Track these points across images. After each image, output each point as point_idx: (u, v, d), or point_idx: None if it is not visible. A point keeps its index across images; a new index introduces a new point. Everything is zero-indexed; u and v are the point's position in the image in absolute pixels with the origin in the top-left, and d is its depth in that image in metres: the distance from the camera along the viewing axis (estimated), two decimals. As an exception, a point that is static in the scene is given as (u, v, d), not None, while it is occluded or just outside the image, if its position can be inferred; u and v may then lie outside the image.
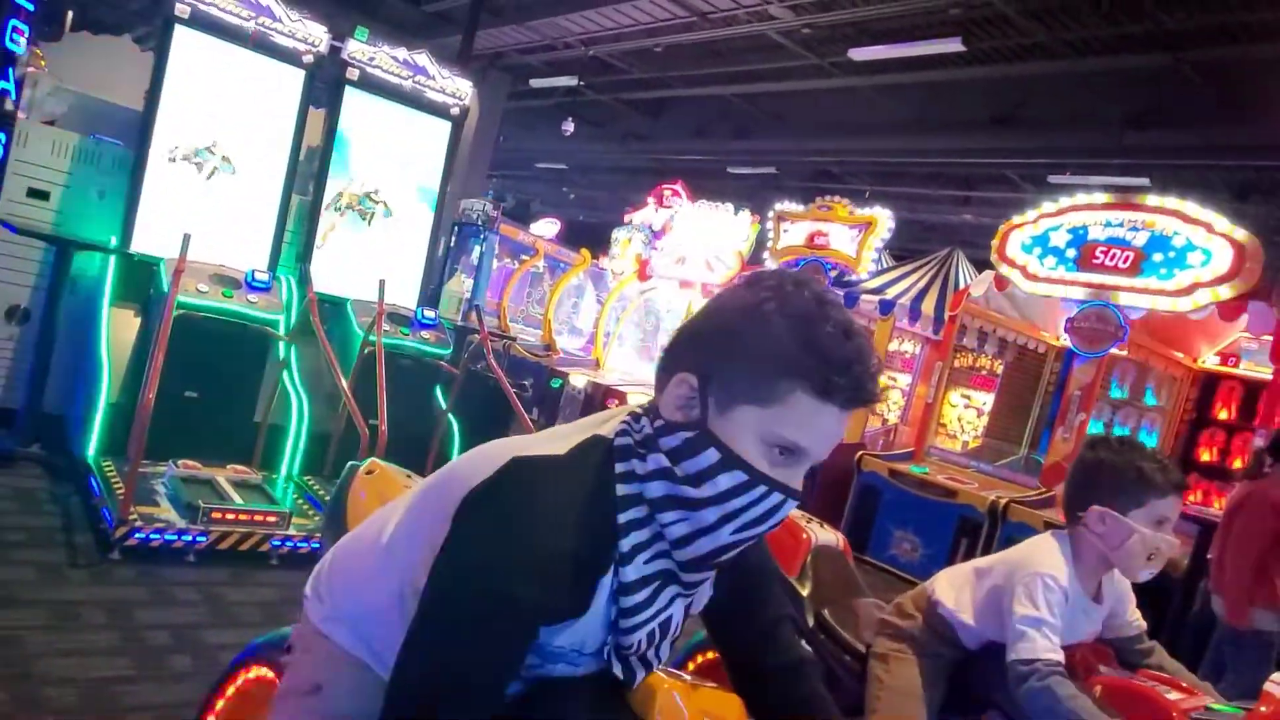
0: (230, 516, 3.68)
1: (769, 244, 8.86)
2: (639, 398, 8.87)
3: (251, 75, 4.81)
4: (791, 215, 8.72)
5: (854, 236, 8.04)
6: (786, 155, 13.71)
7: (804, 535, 2.29)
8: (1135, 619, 2.04)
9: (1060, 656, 1.75)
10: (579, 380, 9.45)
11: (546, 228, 17.13)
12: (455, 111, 5.60)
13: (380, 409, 4.04)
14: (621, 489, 0.99)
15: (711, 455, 0.95)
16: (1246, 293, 5.26)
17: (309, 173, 5.24)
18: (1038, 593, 1.79)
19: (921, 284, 8.12)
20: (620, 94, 13.72)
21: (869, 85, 10.34)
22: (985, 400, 9.26)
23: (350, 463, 1.70)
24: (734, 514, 0.96)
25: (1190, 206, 5.44)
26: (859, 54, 9.11)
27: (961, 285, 7.68)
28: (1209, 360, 7.40)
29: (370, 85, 5.23)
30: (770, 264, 8.79)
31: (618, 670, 1.05)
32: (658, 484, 0.98)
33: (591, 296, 12.37)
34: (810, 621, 2.18)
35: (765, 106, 12.58)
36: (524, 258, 12.33)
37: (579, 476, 0.98)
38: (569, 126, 13.39)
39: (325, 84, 5.22)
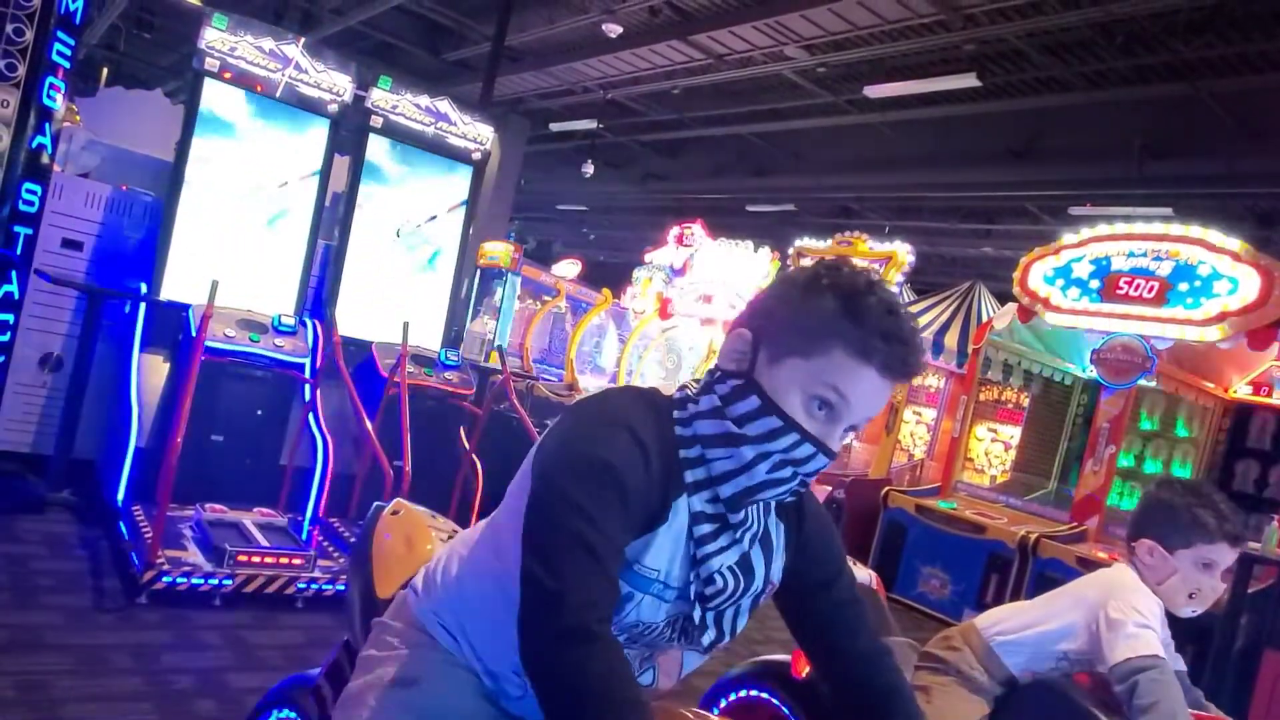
0: (255, 559, 3.69)
1: (790, 280, 8.86)
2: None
3: (279, 124, 4.92)
4: (811, 251, 8.73)
5: (875, 270, 8.03)
6: (805, 192, 13.77)
7: None
8: (1177, 656, 2.02)
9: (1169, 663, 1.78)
10: (602, 419, 9.44)
11: (568, 268, 17.27)
12: (477, 156, 5.69)
13: (404, 450, 4.06)
14: (679, 430, 1.10)
15: (754, 401, 1.06)
16: (1277, 321, 5.19)
17: (334, 219, 5.33)
18: (1142, 604, 1.84)
19: (944, 318, 8.10)
20: (638, 135, 13.90)
21: (886, 121, 10.41)
22: (1012, 434, 9.15)
23: (376, 504, 1.72)
24: (768, 454, 1.06)
25: (1214, 235, 5.40)
26: (874, 91, 9.19)
27: (984, 318, 7.64)
28: (1241, 390, 7.29)
29: (394, 132, 5.33)
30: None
31: (697, 615, 1.12)
32: (710, 422, 1.09)
33: (613, 335, 12.42)
34: None
35: (783, 144, 12.68)
36: (546, 298, 12.41)
37: (648, 401, 1.12)
38: (588, 168, 13.56)
39: (350, 132, 5.34)
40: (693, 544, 1.11)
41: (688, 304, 9.93)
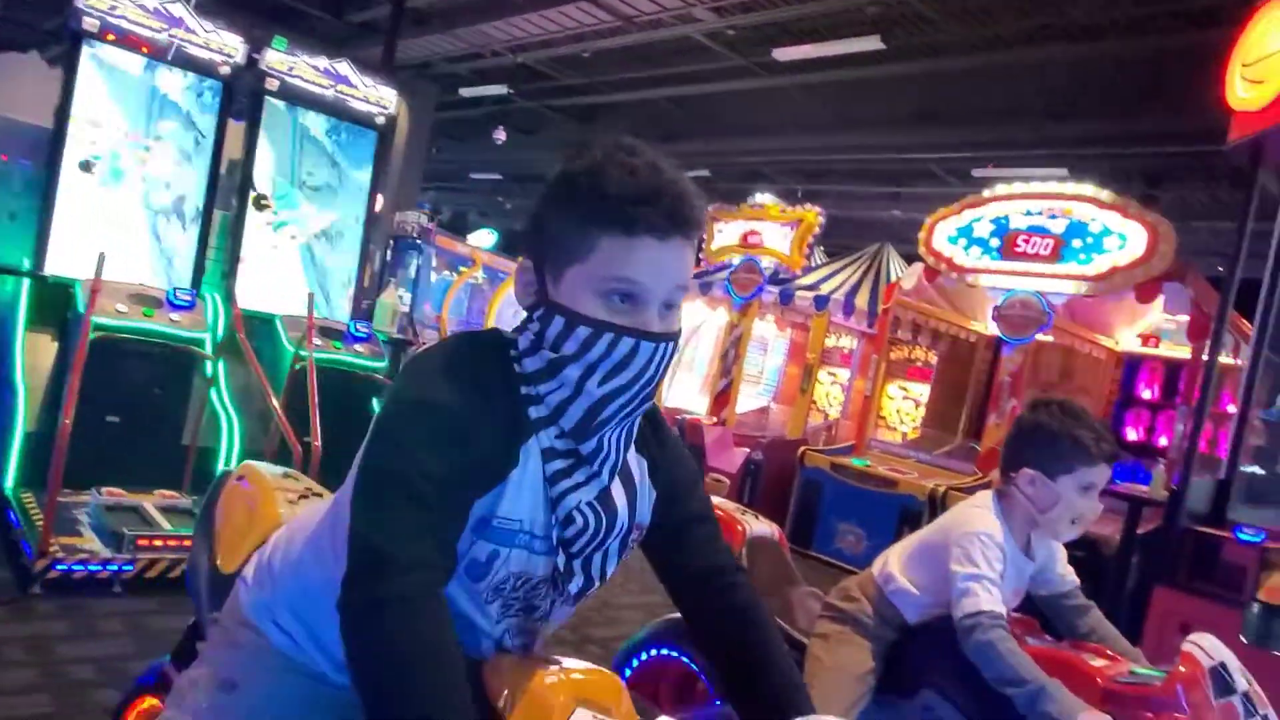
0: (159, 543, 3.56)
1: (704, 244, 8.92)
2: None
3: (167, 89, 4.68)
4: (725, 215, 8.79)
5: (787, 234, 8.15)
6: (719, 157, 13.82)
7: (739, 527, 2.31)
8: (1067, 574, 2.09)
9: (1003, 610, 1.81)
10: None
11: (484, 238, 17.03)
12: (381, 121, 5.52)
13: (314, 425, 3.95)
14: (517, 368, 1.07)
15: (558, 322, 1.02)
16: (1162, 275, 5.46)
17: (231, 187, 5.11)
18: (975, 550, 1.85)
19: (854, 279, 8.27)
20: (551, 101, 13.70)
21: (795, 85, 10.49)
22: (922, 391, 9.45)
23: (222, 470, 1.64)
24: (593, 366, 1.01)
25: (1105, 193, 5.63)
26: (782, 54, 9.24)
27: (893, 279, 7.83)
28: (1131, 342, 7.66)
29: (291, 96, 5.12)
30: (706, 264, 8.85)
31: (561, 561, 1.08)
32: (533, 358, 1.06)
33: (532, 305, 12.30)
34: None
35: (696, 109, 12.67)
36: (462, 269, 12.23)
37: (487, 343, 1.09)
38: (500, 135, 13.32)
39: (245, 96, 5.11)
40: (547, 483, 1.06)
41: (604, 271, 9.90)
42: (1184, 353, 6.36)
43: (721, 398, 8.36)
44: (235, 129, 5.04)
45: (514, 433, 1.04)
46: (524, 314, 1.10)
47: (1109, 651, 1.92)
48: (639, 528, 1.18)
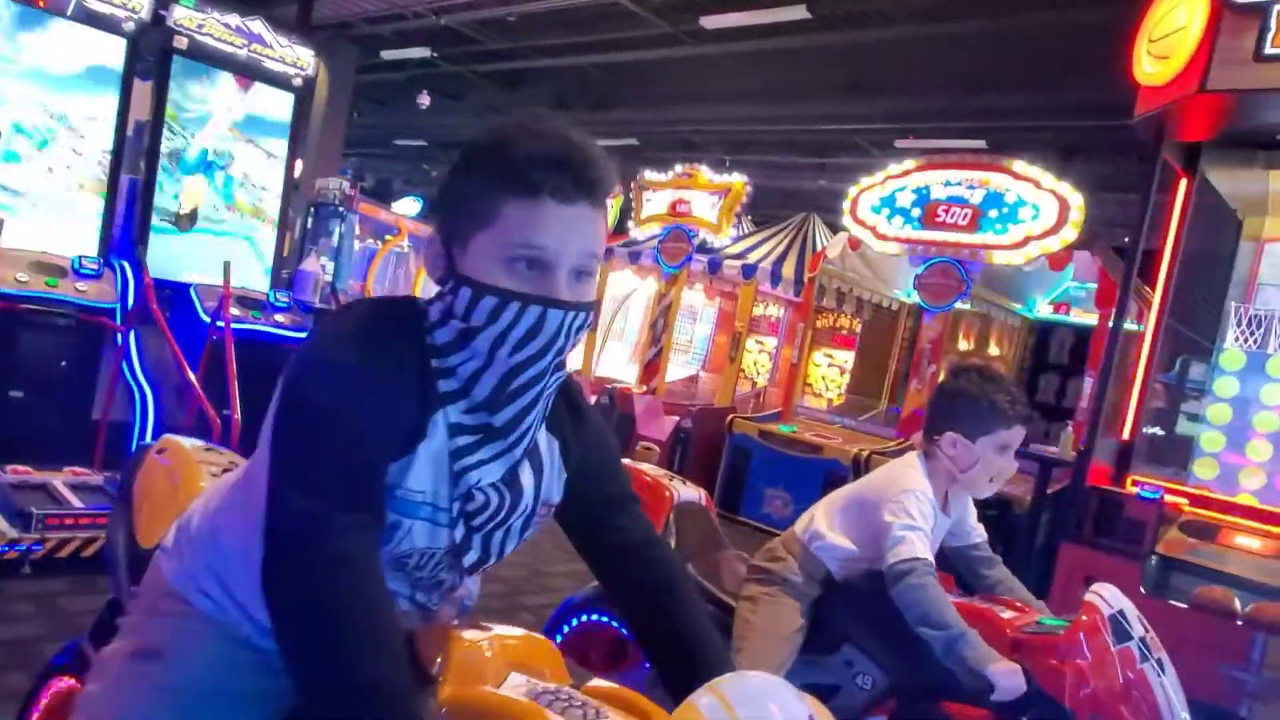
0: (69, 522, 3.44)
1: (633, 213, 8.91)
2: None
3: (67, 45, 4.43)
4: (654, 184, 8.78)
5: (715, 203, 8.19)
6: (648, 125, 13.76)
7: (666, 492, 2.36)
8: (977, 528, 2.22)
9: (932, 560, 1.90)
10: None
11: (409, 206, 16.67)
12: (298, 82, 5.33)
13: (231, 398, 3.85)
14: (428, 339, 1.05)
15: (465, 293, 1.00)
16: (1072, 244, 5.66)
17: (139, 150, 4.89)
18: (910, 504, 1.94)
19: (781, 248, 8.37)
20: (476, 65, 13.41)
21: (724, 54, 10.48)
22: (846, 358, 9.66)
23: (141, 443, 1.60)
24: (502, 336, 1.00)
25: (1019, 165, 5.80)
26: (710, 22, 9.22)
27: (818, 248, 7.95)
28: (1043, 310, 7.95)
29: (201, 54, 4.90)
30: (636, 233, 8.84)
31: (459, 534, 1.08)
32: (443, 330, 1.05)
33: (460, 274, 12.15)
34: None
35: (625, 77, 12.57)
36: (387, 237, 11.97)
37: (400, 310, 1.08)
38: (424, 100, 13.02)
39: (151, 55, 4.87)
40: (451, 458, 1.05)
41: (533, 240, 9.82)
42: (1093, 320, 6.63)
43: (651, 366, 8.40)
44: (142, 89, 4.81)
45: (424, 404, 1.03)
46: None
47: (1018, 604, 2.02)
48: (547, 506, 1.17)
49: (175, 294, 4.72)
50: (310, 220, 11.12)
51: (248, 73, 5.11)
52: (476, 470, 1.06)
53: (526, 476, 1.12)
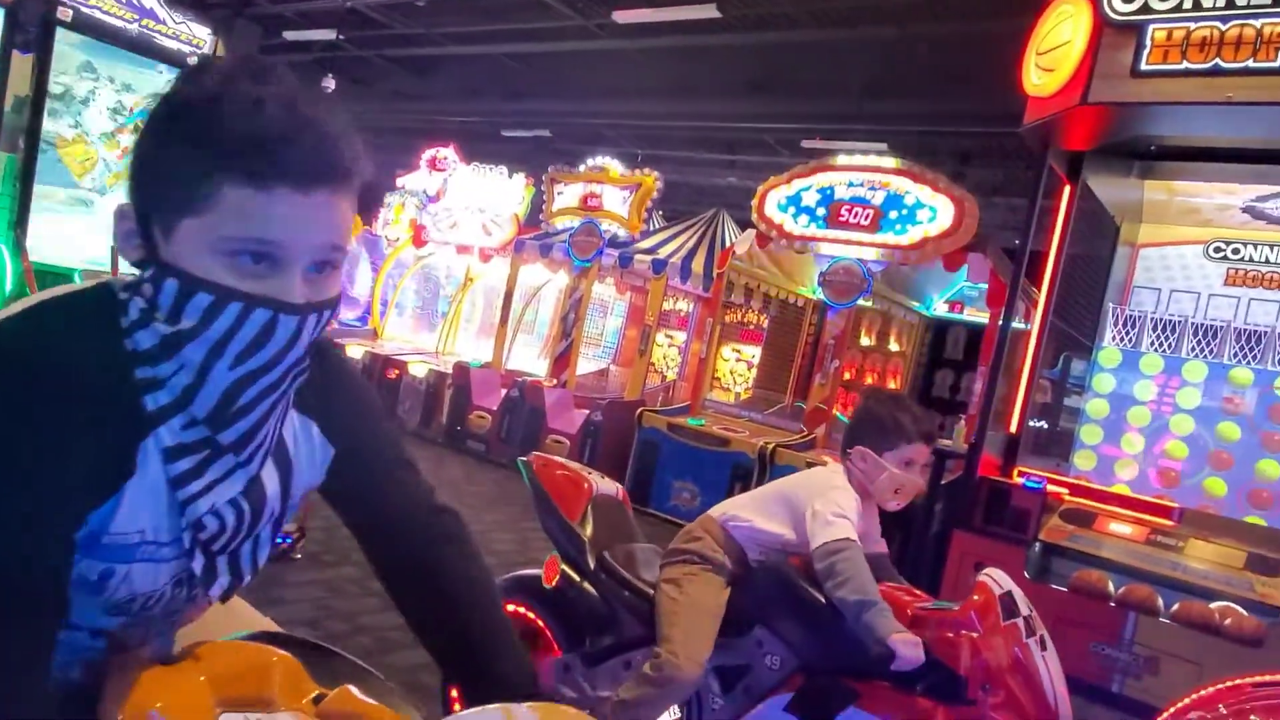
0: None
1: (544, 205, 8.87)
2: (420, 368, 8.69)
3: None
4: (564, 177, 8.77)
5: (626, 198, 8.22)
6: (560, 118, 13.71)
7: (585, 484, 2.44)
8: (880, 542, 2.36)
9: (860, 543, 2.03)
10: (356, 351, 9.07)
11: (311, 192, 16.13)
12: (194, 61, 5.12)
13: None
14: (127, 343, 0.84)
15: (172, 286, 0.80)
16: (966, 246, 5.91)
17: (18, 126, 4.62)
18: (841, 498, 2.08)
19: (691, 244, 8.46)
20: (385, 50, 13.11)
21: (636, 49, 10.52)
22: (754, 353, 9.84)
23: None
24: (220, 345, 0.81)
25: (918, 168, 6.01)
26: (622, 16, 9.25)
27: (727, 244, 8.07)
28: (939, 308, 8.27)
29: (87, 27, 4.67)
30: (546, 226, 8.81)
31: (198, 566, 0.90)
32: (144, 333, 0.83)
33: (366, 264, 11.88)
34: (592, 563, 2.29)
35: (538, 67, 12.48)
36: (288, 224, 11.57)
37: (87, 309, 0.85)
38: (329, 84, 12.65)
39: (33, 26, 4.60)
40: (171, 486, 0.86)
41: (443, 231, 9.68)
42: (984, 318, 6.93)
43: (562, 360, 8.39)
44: (22, 63, 4.54)
45: (126, 432, 0.83)
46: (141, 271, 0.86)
47: (916, 591, 2.18)
48: (306, 490, 1.03)
49: (60, 279, 4.49)
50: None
51: (138, 49, 4.89)
52: (205, 496, 0.88)
53: (270, 479, 0.95)
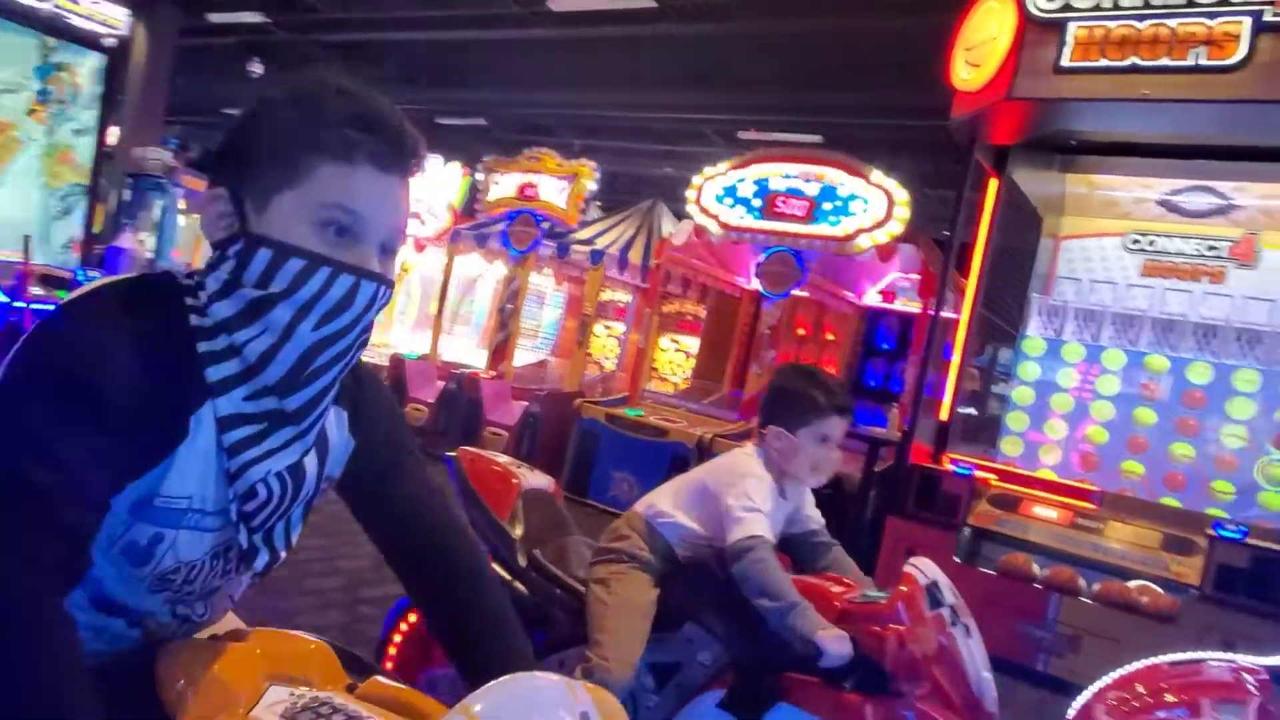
0: None
1: (479, 195, 8.77)
2: (352, 358, 8.59)
3: None
4: (501, 166, 8.68)
5: (563, 188, 8.17)
6: (497, 107, 13.56)
7: (514, 479, 2.36)
8: (815, 516, 2.33)
9: (773, 538, 2.00)
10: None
11: (239, 180, 15.68)
12: (110, 42, 4.92)
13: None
14: (195, 320, 0.93)
15: (265, 255, 0.91)
16: (898, 237, 6.02)
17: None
18: (750, 487, 2.03)
19: (628, 234, 8.46)
20: (317, 35, 12.78)
21: (573, 38, 10.44)
22: (691, 343, 9.90)
23: None
24: (307, 306, 0.91)
25: (852, 160, 6.10)
26: (558, 4, 9.18)
27: (664, 235, 8.09)
28: (873, 298, 8.41)
29: (-5, 7, 4.45)
30: (482, 216, 8.71)
31: (243, 538, 0.98)
32: (227, 301, 0.93)
33: (296, 254, 11.58)
34: (523, 561, 2.26)
35: (474, 56, 12.31)
36: (214, 212, 11.22)
37: (152, 290, 0.94)
38: (256, 68, 12.30)
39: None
40: (225, 455, 0.94)
41: (375, 220, 9.51)
42: (916, 308, 7.08)
43: (499, 351, 8.32)
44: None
45: (183, 401, 0.91)
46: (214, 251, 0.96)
47: (846, 580, 2.16)
48: (329, 482, 1.09)
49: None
50: (128, 193, 10.31)
51: (50, 30, 4.68)
52: (261, 464, 0.95)
53: (310, 460, 1.02)
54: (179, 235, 10.96)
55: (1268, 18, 3.40)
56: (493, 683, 0.79)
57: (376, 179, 0.93)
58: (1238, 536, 3.63)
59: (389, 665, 2.27)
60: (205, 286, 0.94)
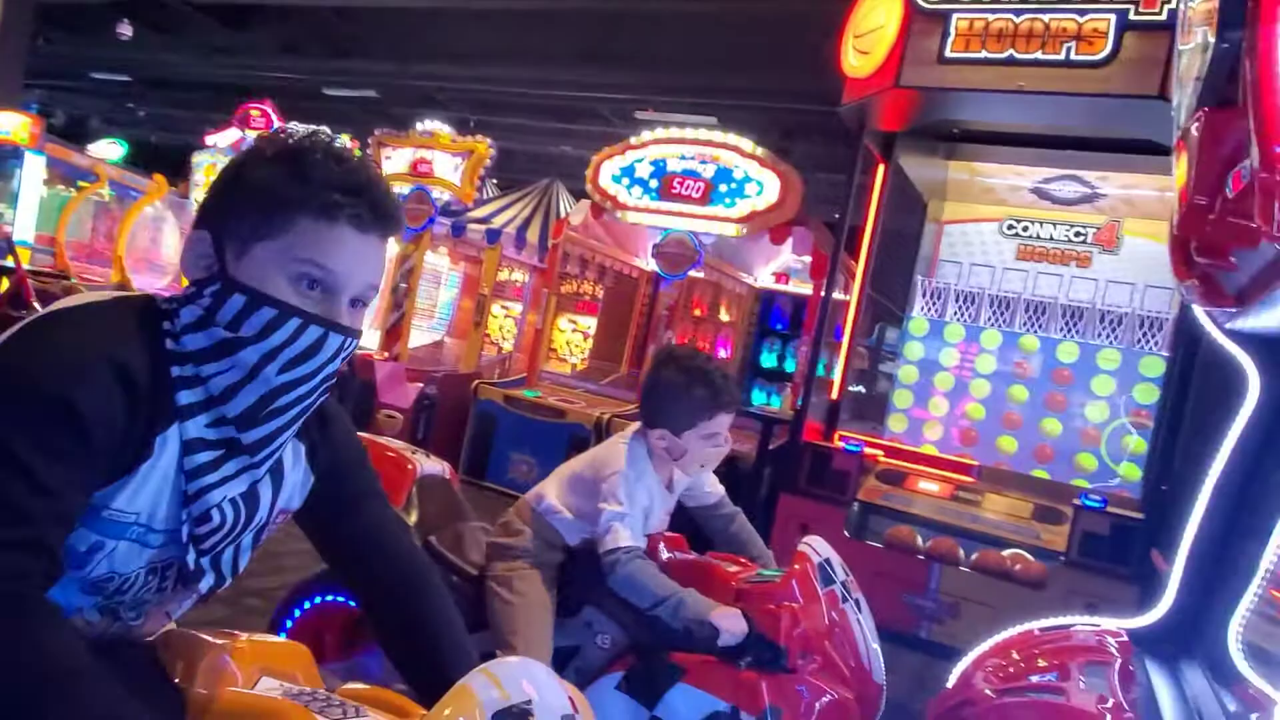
0: None
1: (371, 172, 8.50)
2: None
3: None
4: (393, 141, 8.44)
5: (458, 165, 8.01)
6: (388, 79, 13.14)
7: (409, 465, 2.31)
8: (715, 489, 2.36)
9: (642, 544, 1.99)
10: (161, 324, 8.43)
11: (109, 149, 14.81)
12: None
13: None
14: (170, 344, 0.98)
15: (238, 301, 0.96)
16: (791, 220, 6.14)
17: None
18: (620, 488, 2.00)
19: (526, 213, 8.36)
20: (193, -3, 12.12)
21: (466, 10, 10.23)
22: (590, 324, 9.88)
23: None
24: (274, 352, 0.97)
25: (746, 143, 6.18)
26: (454, -25, 8.96)
27: (562, 214, 8.03)
28: (767, 280, 8.58)
29: None
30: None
31: (191, 560, 1.02)
32: (199, 335, 0.98)
33: (175, 229, 11.03)
34: None
35: (364, 24, 11.90)
36: (82, 184, 10.58)
37: (132, 312, 0.98)
38: (125, 30, 11.58)
39: None
40: (184, 477, 0.98)
41: (259, 195, 9.12)
42: (808, 289, 7.24)
43: (393, 332, 8.12)
44: None
45: (152, 421, 0.95)
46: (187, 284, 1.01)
47: (742, 559, 2.21)
48: (284, 513, 1.14)
49: None
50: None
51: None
52: (218, 489, 1.00)
53: (265, 489, 1.08)
54: (39, 208, 10.24)
55: (1132, 16, 3.61)
56: (502, 659, 0.93)
57: (354, 239, 0.99)
58: (1099, 506, 3.88)
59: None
60: (180, 316, 0.99)
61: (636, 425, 2.17)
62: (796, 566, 1.97)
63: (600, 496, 2.00)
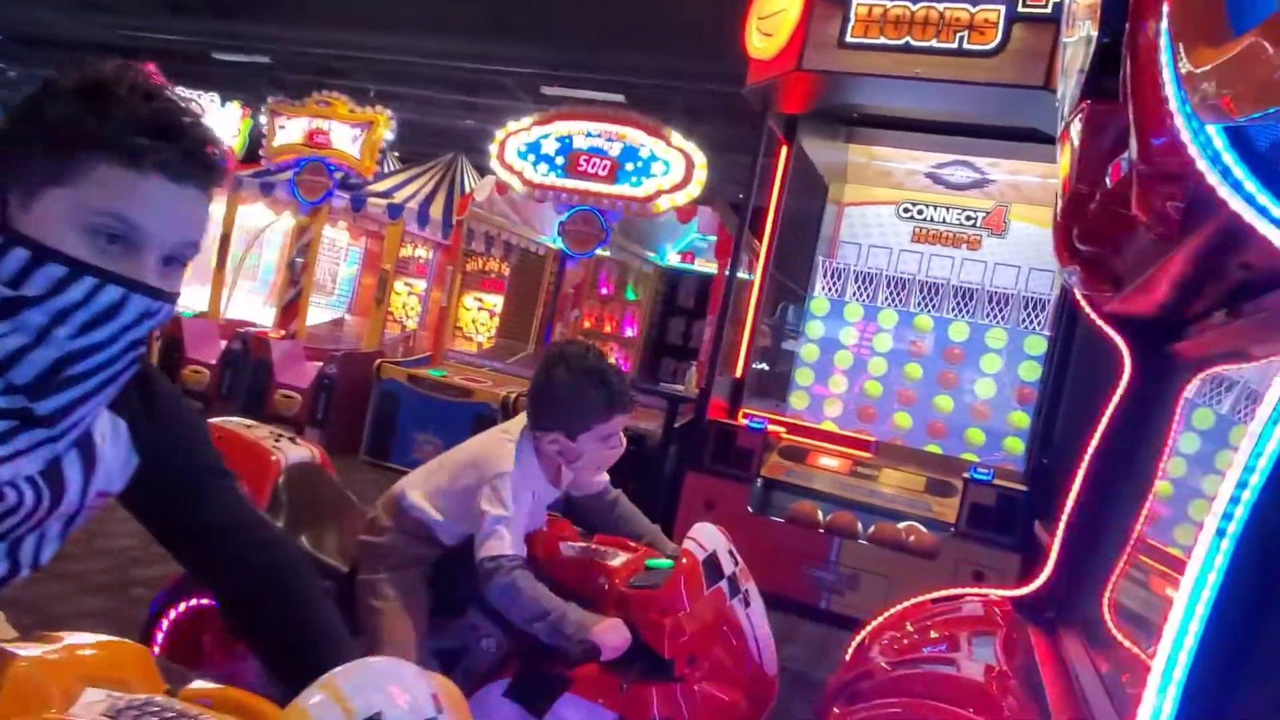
0: None
1: (264, 141, 8.15)
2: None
3: None
4: (287, 110, 8.10)
5: (357, 136, 7.75)
6: (282, 44, 12.58)
7: (272, 457, 2.08)
8: (599, 479, 2.23)
9: (522, 551, 1.87)
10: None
11: (-28, 112, 13.75)
12: None
13: None
14: None
15: (21, 254, 0.83)
16: (696, 199, 6.18)
17: None
18: (504, 491, 1.87)
19: (429, 188, 8.17)
20: (64, -50, 11.32)
21: (366, -25, 9.87)
22: (496, 302, 9.76)
23: None
24: (64, 314, 0.83)
25: (653, 122, 6.18)
26: (352, -61, 8.62)
27: (467, 190, 7.88)
28: (672, 259, 8.64)
29: None
30: (267, 163, 8.11)
31: None
32: None
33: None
34: None
35: (253, -14, 11.35)
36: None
37: None
38: (-10, -16, 10.73)
39: None
40: None
41: (141, 164, 8.62)
42: (713, 269, 7.32)
43: (290, 309, 7.84)
44: None
45: None
46: None
47: (630, 544, 2.10)
48: (103, 496, 1.01)
49: None
50: None
51: None
52: (7, 465, 0.87)
53: (72, 469, 0.95)
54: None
55: (1020, 8, 3.74)
56: (352, 663, 0.82)
57: (163, 190, 0.86)
58: (986, 478, 4.07)
59: (156, 651, 2.03)
60: None
61: (522, 421, 2.02)
62: (684, 561, 1.89)
63: (481, 498, 1.87)
